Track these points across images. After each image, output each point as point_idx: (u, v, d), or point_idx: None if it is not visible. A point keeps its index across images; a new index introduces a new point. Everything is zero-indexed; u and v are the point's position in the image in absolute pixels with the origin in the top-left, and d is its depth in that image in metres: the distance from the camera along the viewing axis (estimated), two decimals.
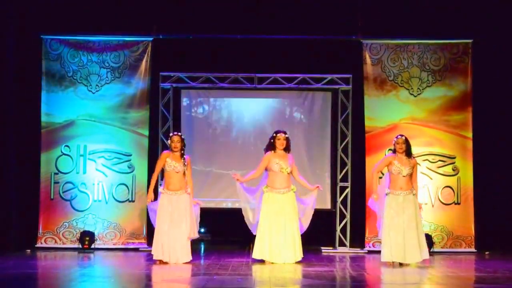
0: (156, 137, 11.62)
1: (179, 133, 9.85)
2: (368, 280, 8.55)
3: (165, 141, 10.94)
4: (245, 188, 9.91)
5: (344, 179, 11.62)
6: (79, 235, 11.26)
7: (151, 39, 11.58)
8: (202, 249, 11.62)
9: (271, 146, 9.89)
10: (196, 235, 9.75)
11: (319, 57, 11.79)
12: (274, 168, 9.79)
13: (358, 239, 11.47)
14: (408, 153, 9.60)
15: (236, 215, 10.19)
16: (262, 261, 9.70)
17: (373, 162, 11.00)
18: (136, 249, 11.27)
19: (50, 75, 11.53)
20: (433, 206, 11.37)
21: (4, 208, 11.27)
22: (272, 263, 9.65)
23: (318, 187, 10.02)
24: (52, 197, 11.40)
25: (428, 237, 10.71)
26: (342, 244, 11.46)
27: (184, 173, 9.65)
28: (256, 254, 9.73)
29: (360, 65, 11.58)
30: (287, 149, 9.91)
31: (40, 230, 11.35)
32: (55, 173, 11.43)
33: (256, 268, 9.21)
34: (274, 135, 9.92)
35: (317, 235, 11.33)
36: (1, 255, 10.29)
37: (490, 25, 11.47)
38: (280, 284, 7.95)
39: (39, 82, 11.50)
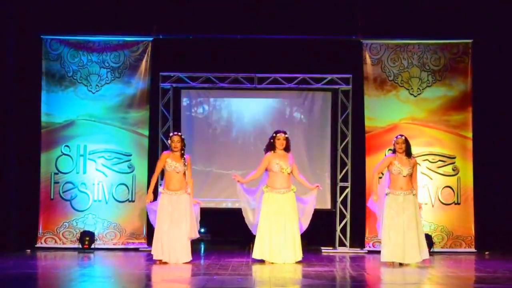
0: (156, 137, 11.62)
1: (179, 133, 9.84)
2: (368, 280, 8.54)
3: (165, 141, 10.94)
4: (245, 189, 9.91)
5: (344, 179, 11.62)
6: (79, 235, 11.26)
7: (151, 39, 11.59)
8: (202, 249, 11.62)
9: (271, 146, 9.89)
10: (196, 235, 9.75)
11: (319, 57, 11.79)
12: (274, 169, 9.79)
13: (358, 239, 11.47)
14: (408, 153, 9.60)
15: (236, 215, 10.19)
16: (262, 261, 9.70)
17: (373, 162, 11.01)
18: (136, 249, 11.27)
19: (50, 75, 11.53)
20: (433, 206, 11.37)
21: (4, 208, 11.28)
22: (272, 263, 9.65)
23: (318, 186, 10.02)
24: (52, 197, 11.40)
25: (428, 237, 10.72)
26: (342, 244, 11.46)
27: (184, 173, 9.65)
28: (256, 254, 9.73)
29: (360, 65, 11.58)
30: (287, 149, 9.91)
31: (40, 230, 11.35)
32: (55, 173, 11.43)
33: (256, 268, 9.21)
34: (274, 135, 9.93)
35: (317, 235, 11.34)
36: (1, 255, 10.29)
37: (490, 25, 11.47)
38: (280, 284, 7.95)
39: (39, 82, 11.50)
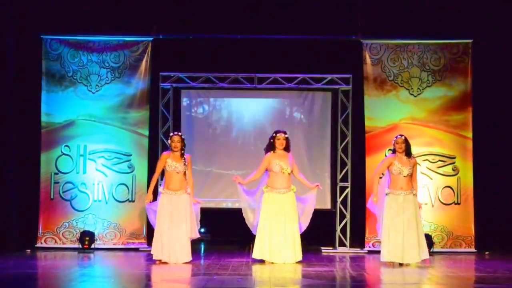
0: (156, 137, 11.62)
1: (179, 133, 9.84)
2: (368, 280, 8.54)
3: (165, 141, 10.94)
4: (245, 190, 9.91)
5: (344, 179, 11.62)
6: (79, 235, 11.26)
7: (151, 39, 11.59)
8: (202, 249, 11.62)
9: (270, 146, 9.89)
10: (197, 235, 9.75)
11: (319, 57, 11.79)
12: (274, 169, 9.79)
13: (358, 239, 11.47)
14: (408, 153, 9.60)
15: (236, 215, 10.19)
16: (262, 261, 9.70)
17: (373, 162, 11.02)
18: (136, 249, 11.27)
19: (50, 75, 11.53)
20: (433, 206, 11.37)
21: (4, 208, 11.28)
22: (272, 263, 9.65)
23: (318, 185, 10.02)
24: (52, 197, 11.40)
25: (428, 237, 10.71)
26: (342, 244, 11.46)
27: (184, 173, 9.65)
28: (256, 254, 9.73)
29: (360, 65, 11.58)
30: (287, 148, 9.91)
31: (40, 230, 11.35)
32: (55, 173, 11.43)
33: (256, 268, 9.21)
34: (274, 135, 9.93)
35: (317, 235, 11.34)
36: (1, 255, 10.29)
37: (490, 25, 11.47)
38: (280, 284, 7.95)
39: (39, 82, 11.50)
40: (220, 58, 11.81)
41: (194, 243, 10.39)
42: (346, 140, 11.63)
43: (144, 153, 11.49)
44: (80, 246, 11.18)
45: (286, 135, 9.93)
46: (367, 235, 11.34)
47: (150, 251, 9.88)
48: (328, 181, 11.90)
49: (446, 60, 11.54)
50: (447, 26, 11.47)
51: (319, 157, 11.96)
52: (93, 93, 11.55)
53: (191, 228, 9.61)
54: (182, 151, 9.68)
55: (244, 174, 10.54)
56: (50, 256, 10.57)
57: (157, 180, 9.92)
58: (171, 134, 9.94)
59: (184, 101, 12.00)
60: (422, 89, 11.52)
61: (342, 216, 11.55)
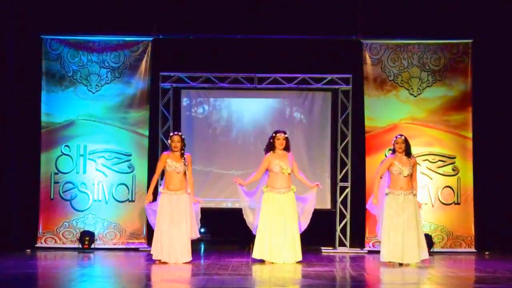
0: (156, 137, 11.62)
1: (179, 133, 9.83)
2: (368, 280, 8.54)
3: (165, 141, 10.95)
4: (246, 192, 9.91)
5: (344, 179, 11.62)
6: (79, 235, 11.27)
7: (151, 39, 11.58)
8: (202, 249, 11.62)
9: (270, 146, 9.89)
10: (197, 235, 9.75)
11: (319, 57, 11.78)
12: (275, 169, 9.79)
13: (358, 239, 11.47)
14: (408, 152, 9.60)
15: (236, 215, 10.19)
16: (262, 261, 9.70)
17: (373, 162, 11.03)
18: (136, 249, 11.27)
19: (50, 75, 11.53)
20: (433, 206, 11.37)
21: (4, 208, 11.28)
22: (272, 263, 9.65)
23: (317, 184, 10.01)
24: (52, 197, 11.40)
25: (428, 237, 10.72)
26: (342, 244, 11.46)
27: (184, 173, 9.65)
28: (256, 254, 9.73)
29: (360, 65, 11.58)
30: (286, 148, 9.91)
31: (40, 230, 11.35)
32: (55, 173, 11.43)
33: (256, 268, 9.21)
34: (274, 135, 9.93)
35: (317, 235, 11.33)
36: (1, 255, 10.29)
37: (490, 25, 11.47)
38: (280, 284, 7.95)
39: (39, 82, 11.50)
40: (220, 58, 11.81)
41: (194, 243, 10.39)
42: (346, 140, 11.63)
43: (144, 153, 11.49)
44: (80, 246, 11.18)
45: (286, 135, 9.93)
46: (367, 235, 11.34)
47: (150, 251, 9.88)
48: (328, 181, 11.90)
49: (446, 60, 11.54)
50: (447, 26, 11.47)
51: (319, 157, 11.97)
52: (93, 93, 11.55)
53: (191, 228, 9.62)
54: (182, 151, 9.68)
55: (244, 174, 10.53)
56: (50, 256, 10.57)
57: (157, 181, 9.92)
58: (171, 134, 9.93)
59: (184, 101, 12.01)
60: (422, 89, 11.52)
61: (342, 216, 11.55)
